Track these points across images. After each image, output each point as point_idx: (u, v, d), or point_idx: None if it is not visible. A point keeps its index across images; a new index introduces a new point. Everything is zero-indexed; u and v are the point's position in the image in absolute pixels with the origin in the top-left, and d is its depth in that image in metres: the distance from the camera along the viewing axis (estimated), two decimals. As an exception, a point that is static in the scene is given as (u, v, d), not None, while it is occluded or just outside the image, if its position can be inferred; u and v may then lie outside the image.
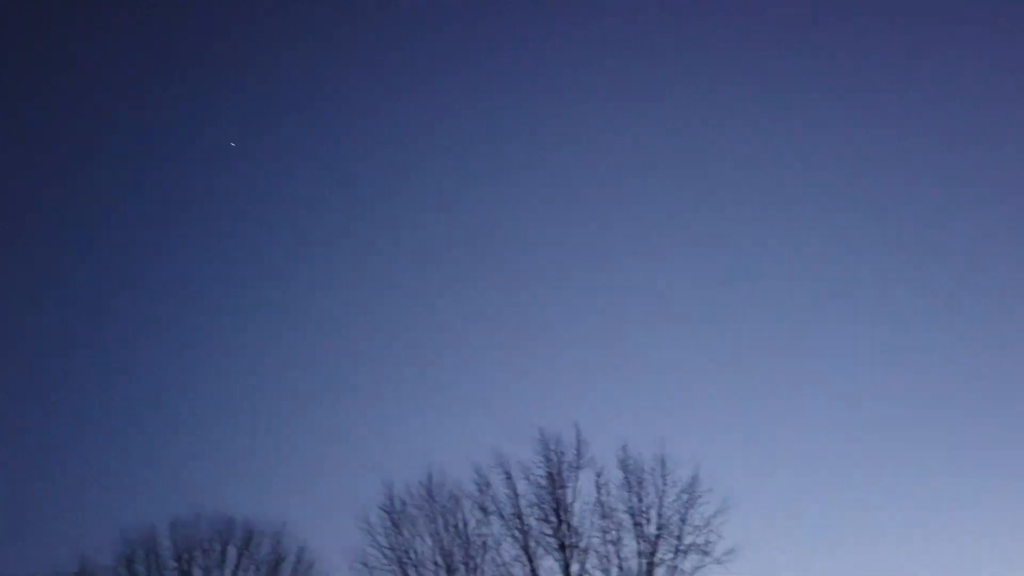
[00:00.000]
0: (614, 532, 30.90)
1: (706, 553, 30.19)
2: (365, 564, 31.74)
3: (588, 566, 30.70)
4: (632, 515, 30.93)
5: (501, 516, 31.61)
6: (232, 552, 34.98)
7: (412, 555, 32.04)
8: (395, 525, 32.36)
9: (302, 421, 52.54)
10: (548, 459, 31.69)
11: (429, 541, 32.27)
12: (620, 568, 30.46)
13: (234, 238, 65.21)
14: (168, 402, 54.95)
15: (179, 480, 47.27)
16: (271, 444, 50.75)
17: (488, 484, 31.95)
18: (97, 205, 66.33)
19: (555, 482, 31.40)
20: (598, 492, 31.26)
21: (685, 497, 30.87)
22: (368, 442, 49.49)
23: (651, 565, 30.37)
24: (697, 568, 30.22)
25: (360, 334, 58.39)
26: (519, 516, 31.42)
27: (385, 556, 31.89)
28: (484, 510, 31.83)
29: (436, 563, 31.72)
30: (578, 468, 31.58)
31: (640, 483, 31.22)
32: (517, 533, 31.31)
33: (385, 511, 32.47)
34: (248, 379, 56.82)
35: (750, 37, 60.48)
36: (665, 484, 31.13)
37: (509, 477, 31.72)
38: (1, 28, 60.74)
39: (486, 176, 63.94)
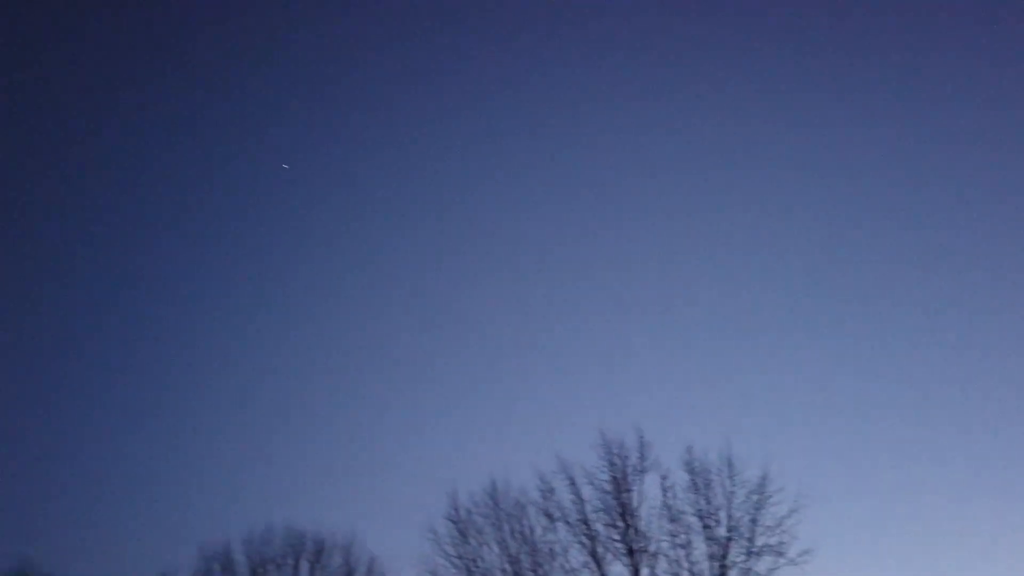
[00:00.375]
0: (683, 535, 30.32)
1: (780, 554, 29.38)
2: (433, 574, 31.85)
3: (658, 571, 30.19)
4: (701, 517, 30.29)
5: (567, 522, 31.34)
6: (304, 565, 35.50)
7: (479, 564, 31.97)
8: (461, 534, 32.36)
9: (368, 433, 53.15)
10: (611, 463, 31.30)
11: (496, 549, 32.16)
12: (691, 572, 29.85)
13: (294, 251, 66.22)
14: (240, 419, 56.25)
15: (251, 495, 48.26)
16: (339, 457, 51.43)
17: (552, 490, 31.77)
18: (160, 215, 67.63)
19: (620, 486, 30.97)
20: (664, 495, 30.77)
21: (755, 497, 30.11)
22: (432, 452, 49.73)
23: (723, 568, 29.66)
24: (771, 570, 29.43)
25: (423, 345, 58.84)
26: (585, 522, 31.09)
27: (453, 565, 31.91)
28: (550, 517, 31.60)
29: (503, 571, 31.57)
30: (643, 471, 31.12)
31: (707, 485, 30.58)
32: (584, 539, 30.98)
33: (451, 520, 32.53)
34: (315, 394, 57.78)
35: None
36: (733, 485, 30.43)
37: (573, 483, 31.48)
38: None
39: (540, 181, 63.87)
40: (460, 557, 32.04)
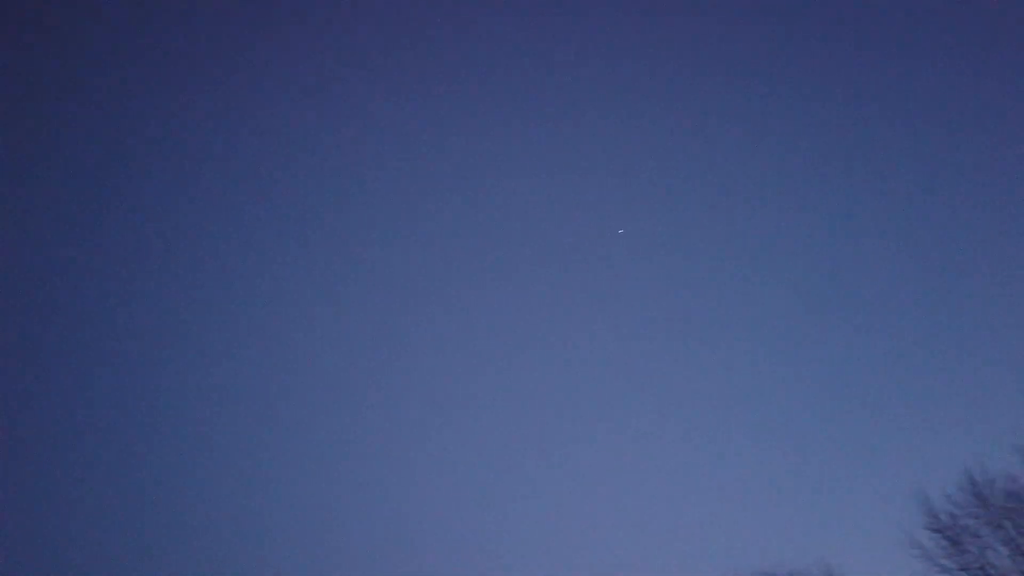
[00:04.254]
0: None
1: None
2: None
3: None
4: None
5: (1088, 501, 26.35)
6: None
7: (991, 570, 28.07)
8: (954, 543, 28.80)
9: (826, 451, 50.36)
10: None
11: (1005, 551, 28.06)
12: None
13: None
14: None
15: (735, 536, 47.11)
16: (808, 484, 48.85)
17: (1049, 470, 27.09)
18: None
19: None
20: None
21: None
22: (897, 457, 45.56)
23: None
24: None
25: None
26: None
27: (958, 578, 28.47)
28: (1060, 500, 26.87)
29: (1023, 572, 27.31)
30: None
31: None
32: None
33: (935, 530, 29.15)
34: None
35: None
36: None
37: (1075, 454, 26.54)
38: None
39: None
40: (964, 568, 28.48)
